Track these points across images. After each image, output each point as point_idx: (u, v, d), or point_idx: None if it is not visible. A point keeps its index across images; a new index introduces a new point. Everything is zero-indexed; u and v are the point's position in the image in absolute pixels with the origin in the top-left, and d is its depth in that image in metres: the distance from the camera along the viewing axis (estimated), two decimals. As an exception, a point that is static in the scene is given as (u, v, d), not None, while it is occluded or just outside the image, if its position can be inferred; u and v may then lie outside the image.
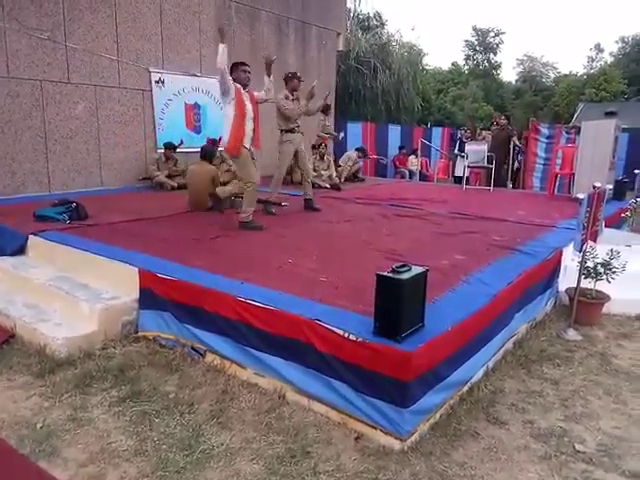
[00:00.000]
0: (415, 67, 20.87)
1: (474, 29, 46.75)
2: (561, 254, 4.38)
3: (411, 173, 13.35)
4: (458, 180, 11.01)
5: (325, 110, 9.18)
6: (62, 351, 3.16)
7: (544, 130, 11.23)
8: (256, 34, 9.56)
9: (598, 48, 45.57)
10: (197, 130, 8.87)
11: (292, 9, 10.34)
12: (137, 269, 3.57)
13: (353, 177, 9.69)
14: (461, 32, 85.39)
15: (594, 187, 3.81)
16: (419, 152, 12.76)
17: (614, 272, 3.91)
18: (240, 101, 4.80)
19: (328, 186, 8.37)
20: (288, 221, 5.60)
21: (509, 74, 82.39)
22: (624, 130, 9.56)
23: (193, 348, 3.23)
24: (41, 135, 6.89)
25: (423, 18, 72.45)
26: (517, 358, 3.35)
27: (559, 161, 9.63)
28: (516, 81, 46.44)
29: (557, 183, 9.01)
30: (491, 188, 8.90)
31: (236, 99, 4.77)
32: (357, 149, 10.20)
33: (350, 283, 3.28)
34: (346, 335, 2.52)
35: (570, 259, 4.19)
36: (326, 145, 9.19)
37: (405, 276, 2.42)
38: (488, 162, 9.07)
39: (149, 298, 3.48)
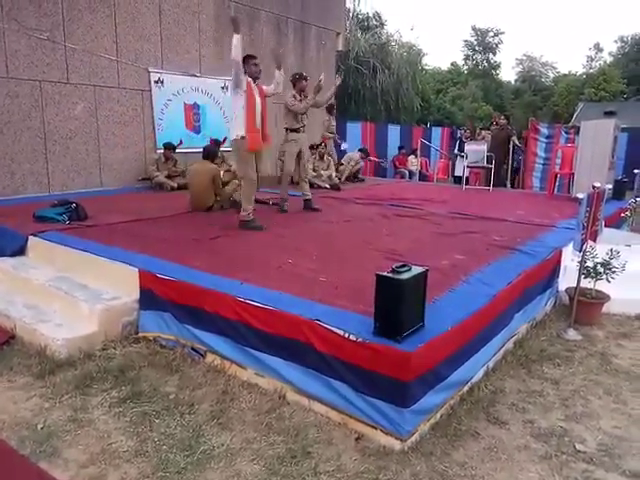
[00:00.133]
0: (414, 67, 20.90)
1: (473, 29, 46.84)
2: (561, 254, 4.38)
3: (411, 173, 13.35)
4: (458, 180, 11.02)
5: (330, 109, 9.20)
6: (62, 352, 3.16)
7: (543, 130, 11.24)
8: (255, 34, 9.56)
9: (597, 48, 45.67)
10: (196, 130, 8.87)
11: (291, 9, 10.34)
12: (137, 270, 3.57)
13: (353, 177, 9.70)
14: (460, 32, 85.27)
15: (594, 187, 3.81)
16: (419, 152, 12.77)
17: (614, 272, 3.91)
18: (250, 94, 4.81)
19: (328, 186, 8.37)
20: (288, 221, 5.60)
21: (508, 74, 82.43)
22: (623, 130, 9.56)
23: (193, 349, 3.23)
24: (40, 136, 6.89)
25: (422, 18, 72.56)
26: (517, 358, 3.35)
27: (559, 161, 9.63)
28: (515, 81, 46.49)
29: (557, 183, 9.02)
30: (491, 188, 8.90)
31: (247, 92, 4.78)
32: (360, 150, 10.25)
33: (350, 283, 3.28)
34: (346, 335, 2.52)
35: (570, 259, 4.19)
36: (326, 145, 9.20)
37: (405, 276, 2.42)
38: (488, 162, 9.07)
39: (149, 299, 3.48)
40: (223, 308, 3.04)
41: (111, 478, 2.17)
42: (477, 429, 2.56)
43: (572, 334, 3.74)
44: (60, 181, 7.15)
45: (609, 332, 3.89)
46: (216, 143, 7.64)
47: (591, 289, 4.03)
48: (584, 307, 3.92)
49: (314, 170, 8.43)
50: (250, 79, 4.85)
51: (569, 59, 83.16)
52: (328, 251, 4.23)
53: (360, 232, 5.04)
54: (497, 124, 11.10)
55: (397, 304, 2.42)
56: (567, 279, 4.28)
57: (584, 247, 3.79)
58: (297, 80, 6.04)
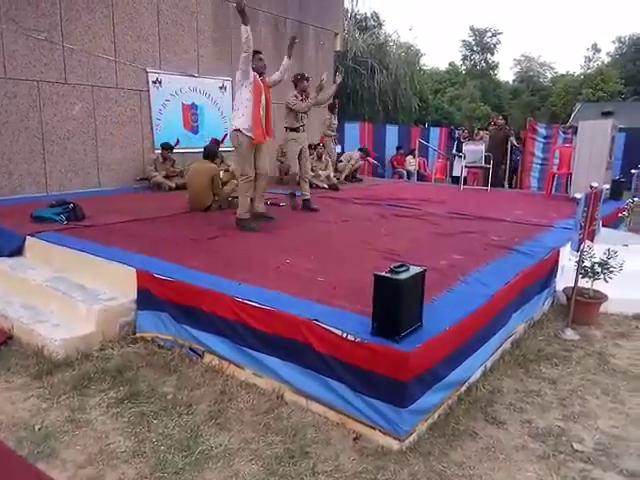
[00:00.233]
0: (412, 67, 20.90)
1: (471, 29, 46.89)
2: (558, 254, 4.39)
3: (409, 173, 13.36)
4: (456, 180, 11.03)
5: (331, 108, 9.20)
6: (60, 352, 3.15)
7: (541, 130, 11.25)
8: (253, 34, 9.48)
9: (595, 48, 45.79)
10: (194, 130, 8.87)
11: (289, 9, 10.33)
12: (135, 270, 3.57)
13: (351, 177, 9.71)
14: (458, 32, 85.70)
15: (591, 187, 3.82)
16: (417, 152, 12.78)
17: (611, 271, 3.92)
18: (257, 87, 4.80)
19: (326, 186, 8.37)
20: (286, 221, 5.60)
21: (506, 74, 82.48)
22: (621, 130, 9.56)
23: (191, 349, 3.23)
24: (38, 136, 6.88)
25: (420, 18, 72.65)
26: (515, 358, 3.36)
27: (556, 161, 9.65)
28: (513, 81, 46.55)
29: (554, 183, 9.03)
30: (488, 188, 8.91)
31: (253, 85, 4.78)
32: (360, 149, 10.27)
33: (348, 283, 3.28)
34: (344, 335, 2.52)
35: (567, 259, 4.20)
36: (324, 145, 9.20)
37: (403, 276, 2.42)
38: (485, 162, 9.08)
39: (147, 299, 3.47)
40: (221, 308, 3.04)
41: (109, 479, 2.17)
42: (475, 429, 2.57)
43: (570, 334, 3.75)
44: (58, 181, 7.14)
45: (607, 332, 3.90)
46: (217, 142, 7.63)
47: (589, 289, 4.03)
48: (582, 307, 3.93)
49: (312, 170, 8.43)
50: (255, 74, 4.84)
51: (567, 59, 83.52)
52: (326, 251, 4.23)
53: (358, 232, 5.04)
54: (495, 124, 11.11)
55: (395, 304, 2.42)
56: (565, 279, 4.29)
57: (582, 247, 3.79)
58: (299, 80, 6.08)
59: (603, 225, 4.81)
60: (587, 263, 3.96)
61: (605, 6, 77.26)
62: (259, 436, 2.46)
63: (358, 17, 20.50)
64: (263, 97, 4.88)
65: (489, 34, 46.13)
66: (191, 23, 8.51)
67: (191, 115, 8.80)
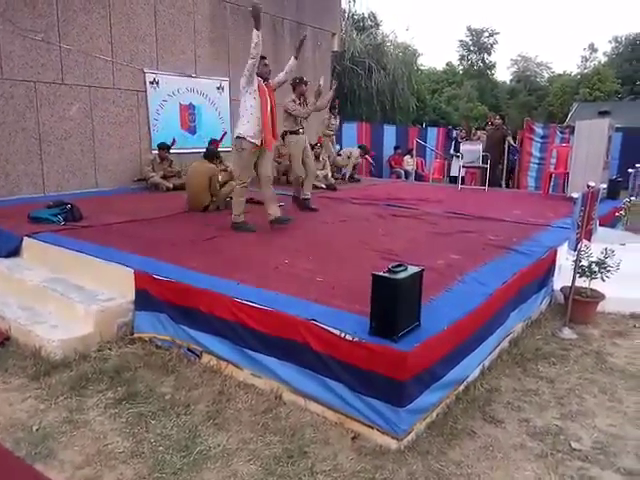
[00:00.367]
0: (410, 67, 20.93)
1: (468, 29, 46.88)
2: (556, 253, 4.40)
3: (407, 173, 13.38)
4: (453, 180, 11.05)
5: (331, 108, 9.21)
6: (57, 353, 3.15)
7: (538, 130, 11.27)
8: (251, 35, 9.53)
9: (592, 48, 45.84)
10: (192, 131, 8.86)
11: (287, 10, 10.34)
12: (133, 270, 3.56)
13: (349, 177, 9.72)
14: (455, 32, 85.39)
15: (588, 186, 3.83)
16: (414, 152, 12.78)
17: (608, 271, 3.93)
18: (263, 94, 4.78)
19: (324, 186, 8.37)
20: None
21: (503, 74, 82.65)
22: (618, 129, 9.60)
23: (189, 349, 3.23)
24: (35, 136, 6.86)
25: (417, 18, 72.63)
26: (513, 357, 3.36)
27: (553, 160, 9.69)
28: (510, 81, 46.60)
29: (551, 182, 9.05)
30: (486, 188, 8.93)
31: (258, 91, 4.76)
32: (359, 147, 10.29)
33: (346, 283, 3.28)
34: (342, 335, 2.52)
35: (565, 258, 4.22)
36: (322, 145, 9.19)
37: (401, 276, 2.43)
38: (483, 162, 9.09)
39: (145, 299, 3.47)
40: (219, 308, 3.04)
41: (107, 479, 2.17)
42: (473, 428, 2.57)
43: (567, 333, 3.76)
44: (55, 182, 7.13)
45: (604, 331, 3.91)
46: (215, 143, 7.62)
47: (586, 288, 4.04)
48: (579, 306, 3.94)
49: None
50: (260, 79, 4.82)
51: (564, 59, 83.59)
52: (324, 251, 4.23)
53: (356, 232, 5.04)
54: (492, 124, 11.11)
55: (393, 304, 2.42)
56: (562, 278, 4.30)
57: (579, 246, 3.80)
58: (297, 84, 6.07)
59: (600, 224, 4.83)
60: (584, 262, 3.97)
61: (602, 6, 77.45)
62: (257, 436, 2.45)
63: (355, 17, 20.54)
64: (268, 103, 4.86)
65: (486, 34, 46.16)
66: (188, 23, 8.51)
67: (188, 115, 8.80)
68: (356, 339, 2.48)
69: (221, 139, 8.02)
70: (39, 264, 4.27)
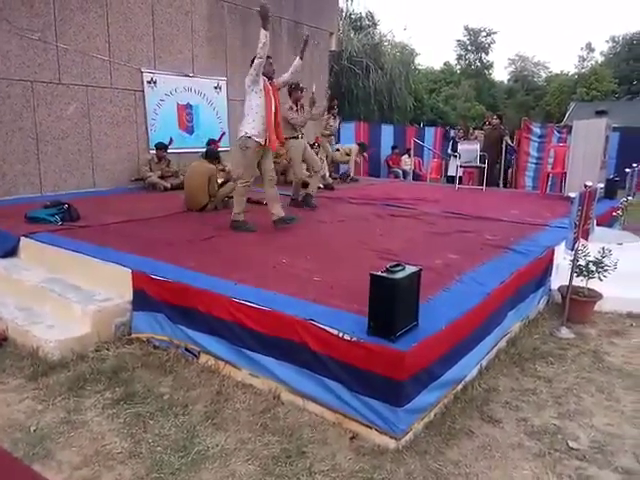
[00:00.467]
0: (407, 67, 20.96)
1: (466, 29, 47.02)
2: (553, 253, 4.40)
3: (404, 173, 13.39)
4: (451, 180, 11.04)
5: (330, 109, 9.21)
6: (55, 353, 3.14)
7: (536, 129, 11.30)
8: (248, 34, 9.53)
9: (589, 48, 45.99)
10: (189, 130, 8.84)
11: (284, 9, 10.33)
12: (130, 270, 3.56)
13: (347, 177, 9.72)
14: (453, 32, 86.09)
15: (585, 186, 3.84)
16: (412, 152, 12.79)
17: (606, 270, 3.94)
18: (267, 94, 4.77)
19: (322, 186, 8.36)
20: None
21: (501, 74, 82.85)
22: (615, 129, 9.63)
23: (187, 349, 3.22)
24: (32, 136, 6.84)
25: (415, 18, 72.71)
26: (510, 356, 3.37)
27: (551, 160, 9.69)
28: (508, 81, 46.73)
29: (549, 182, 9.07)
30: (483, 187, 8.94)
31: (264, 91, 4.76)
32: (358, 144, 10.31)
33: (344, 283, 3.28)
34: (340, 335, 2.52)
35: (562, 257, 4.22)
36: (319, 145, 9.19)
37: (399, 276, 2.43)
38: (480, 161, 9.11)
39: (142, 299, 3.46)
40: (217, 308, 3.03)
41: (105, 480, 2.17)
42: (471, 428, 2.57)
43: (565, 332, 3.76)
44: (52, 182, 7.11)
45: (601, 330, 3.92)
46: (214, 143, 7.62)
47: (583, 287, 4.05)
48: (576, 305, 3.95)
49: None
50: (265, 78, 4.82)
51: (561, 59, 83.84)
52: (322, 251, 4.23)
53: (354, 232, 5.05)
54: (490, 124, 11.12)
55: (391, 303, 2.42)
56: (559, 278, 4.31)
57: (576, 246, 3.81)
58: (293, 90, 6.07)
59: (597, 224, 4.84)
60: (582, 262, 3.97)
61: (599, 6, 77.68)
62: (255, 436, 2.45)
63: (353, 17, 20.56)
64: (273, 102, 4.85)
65: (483, 34, 46.28)
66: (186, 23, 8.49)
67: (186, 115, 8.78)
68: (354, 339, 2.48)
69: (220, 139, 8.01)
70: (36, 264, 4.26)
